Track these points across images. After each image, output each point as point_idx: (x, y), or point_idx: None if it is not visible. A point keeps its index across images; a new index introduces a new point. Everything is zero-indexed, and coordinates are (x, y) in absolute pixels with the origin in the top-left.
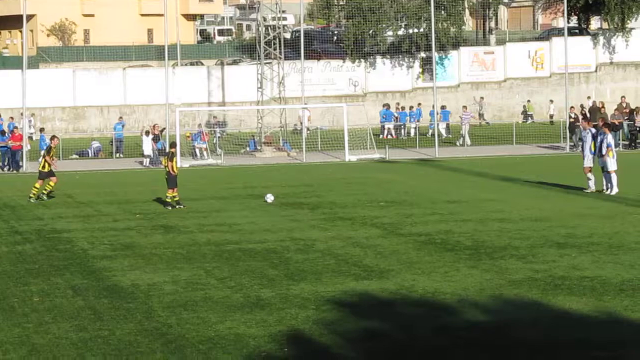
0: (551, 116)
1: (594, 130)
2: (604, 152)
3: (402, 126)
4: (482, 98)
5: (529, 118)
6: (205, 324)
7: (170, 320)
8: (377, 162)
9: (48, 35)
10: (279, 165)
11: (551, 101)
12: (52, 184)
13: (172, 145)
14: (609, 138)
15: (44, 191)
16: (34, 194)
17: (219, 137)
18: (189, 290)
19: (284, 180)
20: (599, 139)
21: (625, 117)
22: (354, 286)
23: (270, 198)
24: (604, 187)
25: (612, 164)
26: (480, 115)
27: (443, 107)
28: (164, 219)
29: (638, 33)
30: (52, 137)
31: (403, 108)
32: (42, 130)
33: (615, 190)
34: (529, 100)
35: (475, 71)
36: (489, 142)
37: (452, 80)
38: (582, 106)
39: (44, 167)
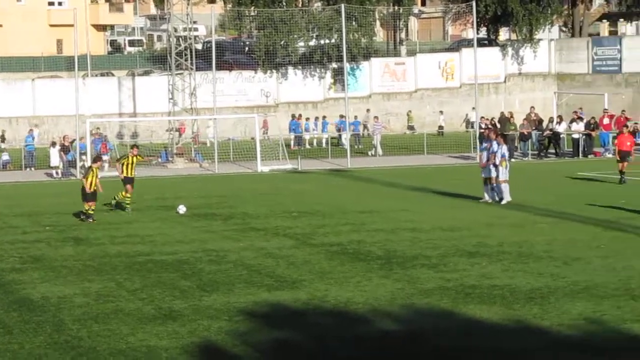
0: (440, 127)
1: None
2: (497, 162)
3: (299, 137)
4: (368, 110)
5: (412, 129)
6: (116, 337)
7: (81, 333)
8: (289, 173)
9: None
10: (191, 176)
11: (441, 112)
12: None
13: (95, 160)
14: (504, 149)
15: (117, 199)
16: (126, 203)
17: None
18: (100, 302)
19: (197, 191)
20: (492, 149)
21: (534, 128)
22: (267, 297)
23: (182, 209)
24: (488, 198)
25: (503, 174)
26: (365, 127)
27: (355, 118)
28: (74, 231)
29: (545, 44)
30: (133, 146)
31: (307, 119)
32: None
33: (507, 199)
34: (410, 111)
35: (387, 82)
36: (401, 152)
37: (364, 91)
38: (466, 115)
39: (123, 172)
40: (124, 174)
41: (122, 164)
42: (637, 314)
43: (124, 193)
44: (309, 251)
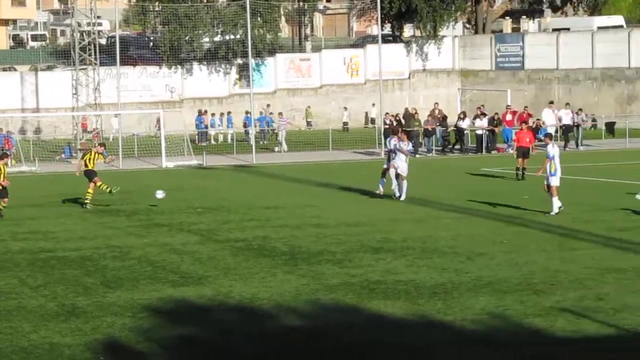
0: (345, 123)
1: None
2: (402, 158)
3: (205, 133)
4: (268, 105)
5: (309, 125)
6: (18, 334)
7: None
8: (194, 169)
9: None
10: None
11: (345, 108)
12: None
13: (1, 157)
14: (410, 145)
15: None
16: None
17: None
18: (1, 299)
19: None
20: (394, 145)
21: (438, 124)
22: (171, 293)
23: (160, 194)
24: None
25: (406, 170)
26: (267, 123)
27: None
28: None
29: (449, 41)
30: (101, 144)
31: (213, 114)
32: None
33: (404, 196)
34: (309, 107)
35: (292, 77)
36: (306, 148)
37: (269, 87)
38: (366, 113)
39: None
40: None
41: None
42: (539, 309)
43: (101, 186)
44: (214, 247)
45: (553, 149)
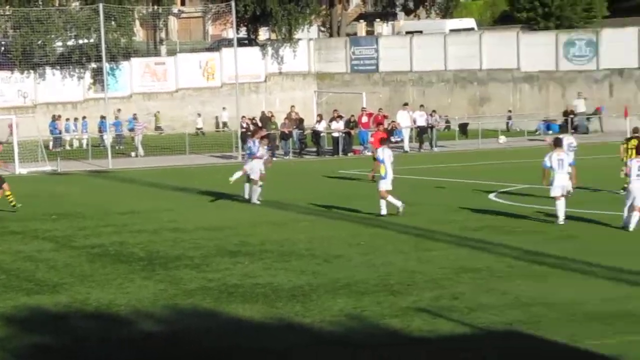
0: (199, 128)
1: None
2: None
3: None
4: (119, 110)
5: (160, 129)
6: None
7: None
8: (48, 175)
9: None
10: None
11: (199, 115)
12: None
13: None
14: (266, 149)
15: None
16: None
17: None
18: None
19: None
20: (253, 147)
21: (295, 126)
22: (26, 301)
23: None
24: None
25: (258, 174)
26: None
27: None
28: None
29: (305, 44)
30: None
31: (68, 119)
32: None
33: (256, 199)
34: (158, 112)
35: (147, 82)
36: (163, 152)
37: (125, 91)
38: (216, 118)
39: None
40: None
41: None
42: (395, 309)
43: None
44: (70, 254)
45: (383, 153)
